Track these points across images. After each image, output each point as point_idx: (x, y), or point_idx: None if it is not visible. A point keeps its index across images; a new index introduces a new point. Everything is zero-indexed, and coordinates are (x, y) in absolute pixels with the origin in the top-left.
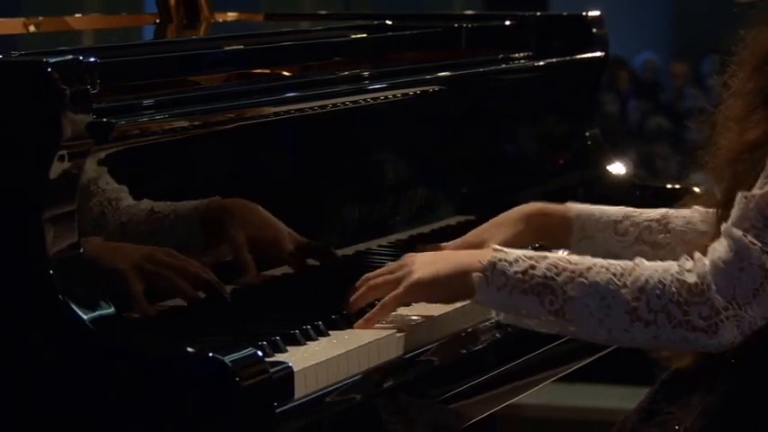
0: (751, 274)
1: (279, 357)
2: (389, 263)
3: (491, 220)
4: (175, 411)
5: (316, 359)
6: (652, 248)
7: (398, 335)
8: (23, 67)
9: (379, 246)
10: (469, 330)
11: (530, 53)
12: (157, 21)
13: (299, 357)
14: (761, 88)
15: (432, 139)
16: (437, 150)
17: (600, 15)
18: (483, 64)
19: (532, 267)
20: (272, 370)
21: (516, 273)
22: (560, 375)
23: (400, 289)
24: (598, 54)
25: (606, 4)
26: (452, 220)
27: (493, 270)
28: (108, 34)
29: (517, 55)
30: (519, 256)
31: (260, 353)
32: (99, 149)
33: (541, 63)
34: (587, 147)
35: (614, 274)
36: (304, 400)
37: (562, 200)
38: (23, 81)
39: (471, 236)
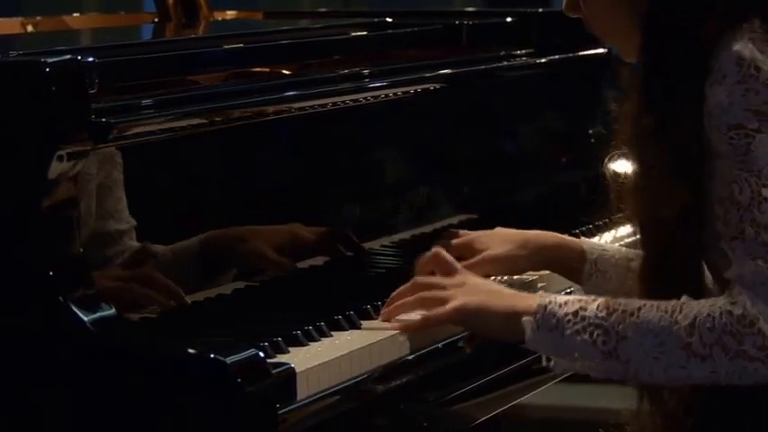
0: None
1: (281, 358)
2: (439, 277)
3: (497, 233)
4: (176, 412)
5: (318, 360)
6: None
7: (401, 336)
8: (22, 66)
9: (382, 245)
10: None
11: (531, 50)
12: (156, 20)
13: (300, 358)
14: (644, 162)
15: (433, 137)
16: (439, 149)
17: None
18: (484, 61)
19: (583, 309)
20: (273, 371)
21: (567, 314)
22: (566, 375)
23: (448, 309)
24: (600, 51)
25: None
26: (454, 219)
27: (544, 313)
28: (106, 34)
29: (519, 52)
30: (568, 299)
31: (262, 354)
32: (98, 149)
33: (543, 60)
34: (590, 145)
35: (665, 312)
36: (306, 401)
37: (565, 198)
38: (22, 81)
39: (475, 239)
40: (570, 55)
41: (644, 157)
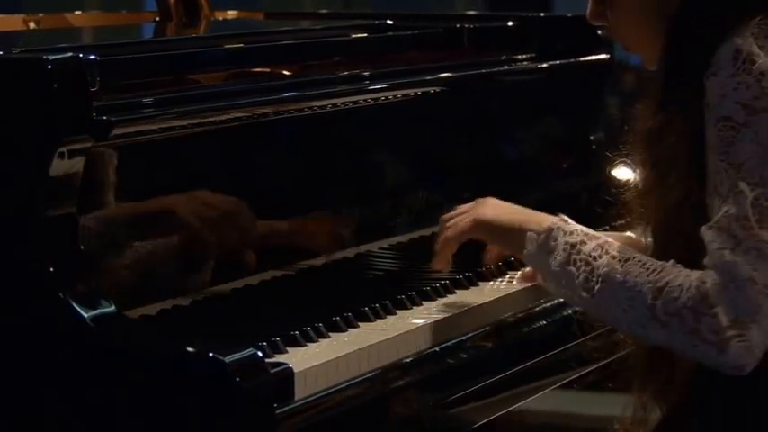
0: (745, 290)
1: (279, 358)
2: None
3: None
4: (175, 411)
5: (316, 360)
6: None
7: (399, 338)
8: (23, 64)
9: (380, 248)
10: (471, 335)
11: (533, 55)
12: (157, 19)
13: (299, 358)
14: (658, 161)
15: (433, 140)
16: (438, 152)
17: None
18: (485, 65)
19: (582, 243)
20: (272, 371)
21: (566, 243)
22: (564, 382)
23: (465, 221)
24: (603, 56)
25: None
26: None
27: (548, 235)
28: (108, 32)
29: (520, 56)
30: (576, 229)
31: (260, 353)
32: (99, 147)
33: (545, 65)
34: (592, 151)
35: (646, 269)
36: (304, 401)
37: (566, 205)
38: (23, 78)
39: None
40: (572, 60)
41: (657, 153)
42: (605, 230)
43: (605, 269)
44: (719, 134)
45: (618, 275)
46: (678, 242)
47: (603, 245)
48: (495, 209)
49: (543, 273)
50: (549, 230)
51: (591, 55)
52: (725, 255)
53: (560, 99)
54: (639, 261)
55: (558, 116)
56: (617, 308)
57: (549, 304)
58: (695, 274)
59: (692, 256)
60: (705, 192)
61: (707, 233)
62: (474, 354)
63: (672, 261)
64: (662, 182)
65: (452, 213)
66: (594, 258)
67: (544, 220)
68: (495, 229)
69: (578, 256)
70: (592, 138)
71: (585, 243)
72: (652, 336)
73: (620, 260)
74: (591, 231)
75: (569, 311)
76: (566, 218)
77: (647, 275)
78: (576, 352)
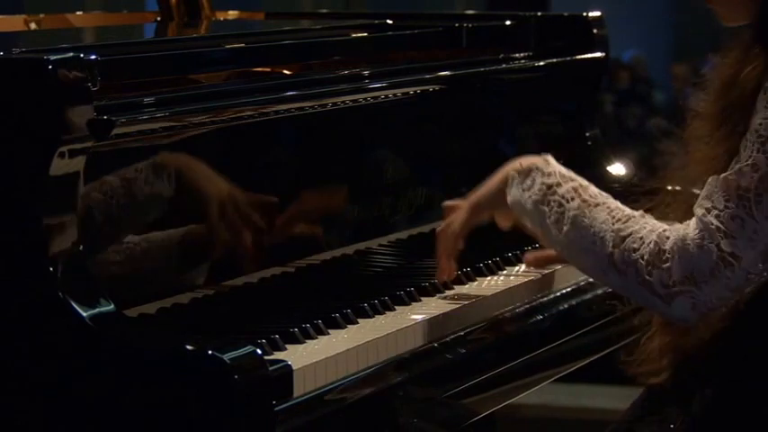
0: (708, 253)
1: (278, 356)
2: None
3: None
4: (175, 409)
5: (315, 357)
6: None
7: (397, 334)
8: (25, 64)
9: (380, 245)
10: (469, 330)
11: (530, 53)
12: (158, 19)
13: (298, 356)
14: (723, 109)
15: (432, 138)
16: (437, 150)
17: (600, 16)
18: (483, 64)
19: (558, 185)
20: (271, 368)
21: (543, 184)
22: (560, 375)
23: (458, 215)
24: (598, 55)
25: (607, 4)
26: None
27: (528, 174)
28: (109, 32)
29: (517, 55)
30: (555, 171)
31: (259, 351)
32: (99, 146)
33: (542, 63)
34: (588, 147)
35: (613, 217)
36: (303, 398)
37: None
38: (25, 78)
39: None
40: (568, 58)
41: (729, 99)
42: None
43: (575, 212)
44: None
45: (585, 219)
46: None
47: (578, 188)
48: (478, 188)
49: (518, 208)
50: (528, 170)
51: (587, 53)
52: (711, 216)
53: (557, 96)
54: (608, 208)
55: (555, 113)
56: (581, 250)
57: (545, 299)
58: (658, 228)
59: None
60: None
61: (711, 181)
62: (472, 349)
63: (640, 212)
64: (730, 130)
65: (443, 225)
66: (567, 201)
67: (526, 160)
68: (486, 197)
69: (553, 197)
70: (588, 134)
71: (561, 185)
72: (610, 281)
73: (590, 204)
74: (569, 173)
75: (566, 306)
76: (548, 158)
77: (613, 223)
78: (573, 345)
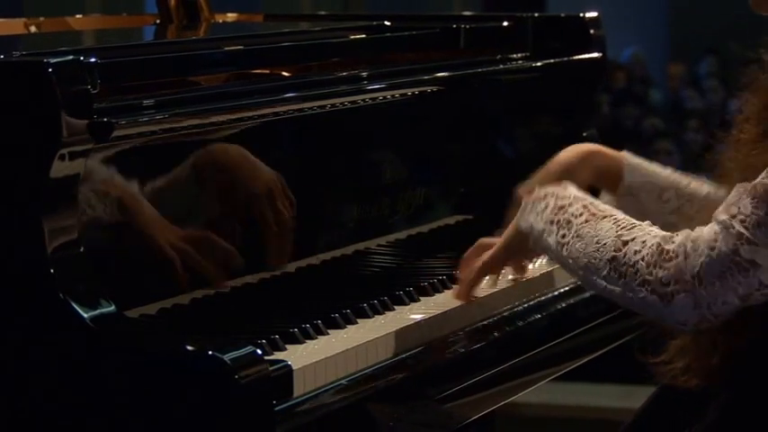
0: (723, 256)
1: (278, 356)
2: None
3: (551, 165)
4: (175, 409)
5: (315, 357)
6: (687, 221)
7: (397, 334)
8: (24, 67)
9: (378, 245)
10: (468, 329)
11: (527, 54)
12: (157, 21)
13: (298, 356)
14: None
15: (430, 138)
16: (435, 150)
17: (597, 17)
18: (481, 64)
19: (570, 204)
20: (271, 368)
21: (555, 205)
22: (559, 374)
23: (496, 247)
24: (595, 55)
25: (603, 5)
26: (451, 220)
27: (543, 199)
28: (108, 35)
29: (515, 56)
30: (570, 194)
31: (259, 351)
32: (99, 149)
33: (539, 64)
34: None
35: (618, 225)
36: (303, 398)
37: None
38: (24, 81)
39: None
40: (565, 59)
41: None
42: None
43: (581, 225)
44: None
45: (591, 230)
46: None
47: (587, 205)
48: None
49: (531, 232)
50: (544, 196)
51: (584, 54)
52: (735, 221)
53: (554, 97)
54: (615, 218)
55: (552, 113)
56: (584, 260)
57: (544, 298)
58: (661, 233)
59: None
60: None
61: (738, 188)
62: (471, 348)
63: (648, 221)
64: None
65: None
66: (576, 216)
67: (545, 188)
68: (514, 230)
69: (563, 216)
70: (585, 134)
71: (572, 204)
72: (608, 288)
73: (597, 217)
74: (584, 194)
75: (565, 304)
76: (567, 184)
77: (617, 230)
78: (572, 344)
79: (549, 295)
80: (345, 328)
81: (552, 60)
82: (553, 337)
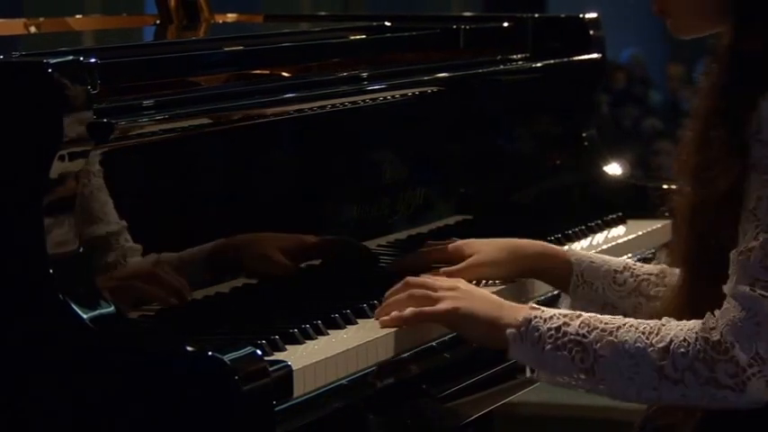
0: (766, 325)
1: (278, 356)
2: (430, 276)
3: (487, 241)
4: (175, 410)
5: (315, 358)
6: (648, 301)
7: (397, 334)
8: (24, 67)
9: (378, 245)
10: None
11: (527, 54)
12: (157, 22)
13: (298, 356)
14: (718, 138)
15: (430, 139)
16: (435, 150)
17: (597, 17)
18: (481, 65)
19: (566, 324)
20: (271, 369)
21: (550, 329)
22: None
23: (440, 308)
24: (595, 56)
25: (603, 5)
26: (451, 220)
27: (528, 326)
28: (108, 35)
29: (515, 56)
30: (554, 313)
31: (259, 352)
32: (99, 149)
33: (539, 64)
34: (584, 148)
35: (642, 333)
36: (303, 398)
37: (559, 199)
38: (24, 81)
39: (465, 245)
40: (565, 60)
41: (708, 130)
42: (598, 225)
43: (599, 344)
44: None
45: (615, 347)
46: (706, 224)
47: (587, 320)
48: (471, 301)
49: (533, 364)
50: (528, 322)
51: (583, 54)
52: (752, 290)
53: (554, 97)
54: (632, 326)
55: (552, 114)
56: (621, 378)
57: (542, 297)
58: (697, 326)
59: (714, 240)
60: (742, 176)
61: (740, 259)
62: (471, 347)
63: (665, 318)
64: (707, 157)
65: (420, 281)
66: (584, 336)
67: (517, 311)
68: (471, 323)
69: (566, 339)
70: (584, 135)
71: (569, 324)
72: (665, 396)
73: (611, 331)
74: (567, 311)
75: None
76: (534, 305)
77: (647, 339)
78: None
79: (548, 294)
80: (345, 328)
81: (552, 61)
82: None
